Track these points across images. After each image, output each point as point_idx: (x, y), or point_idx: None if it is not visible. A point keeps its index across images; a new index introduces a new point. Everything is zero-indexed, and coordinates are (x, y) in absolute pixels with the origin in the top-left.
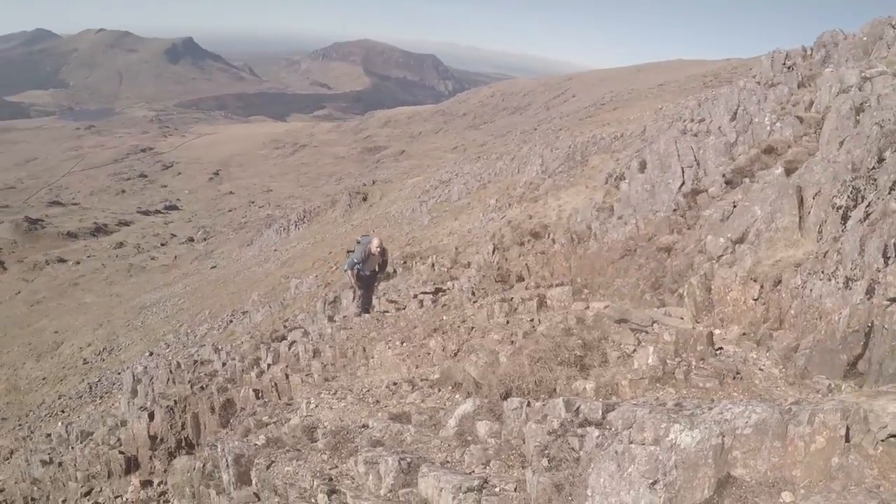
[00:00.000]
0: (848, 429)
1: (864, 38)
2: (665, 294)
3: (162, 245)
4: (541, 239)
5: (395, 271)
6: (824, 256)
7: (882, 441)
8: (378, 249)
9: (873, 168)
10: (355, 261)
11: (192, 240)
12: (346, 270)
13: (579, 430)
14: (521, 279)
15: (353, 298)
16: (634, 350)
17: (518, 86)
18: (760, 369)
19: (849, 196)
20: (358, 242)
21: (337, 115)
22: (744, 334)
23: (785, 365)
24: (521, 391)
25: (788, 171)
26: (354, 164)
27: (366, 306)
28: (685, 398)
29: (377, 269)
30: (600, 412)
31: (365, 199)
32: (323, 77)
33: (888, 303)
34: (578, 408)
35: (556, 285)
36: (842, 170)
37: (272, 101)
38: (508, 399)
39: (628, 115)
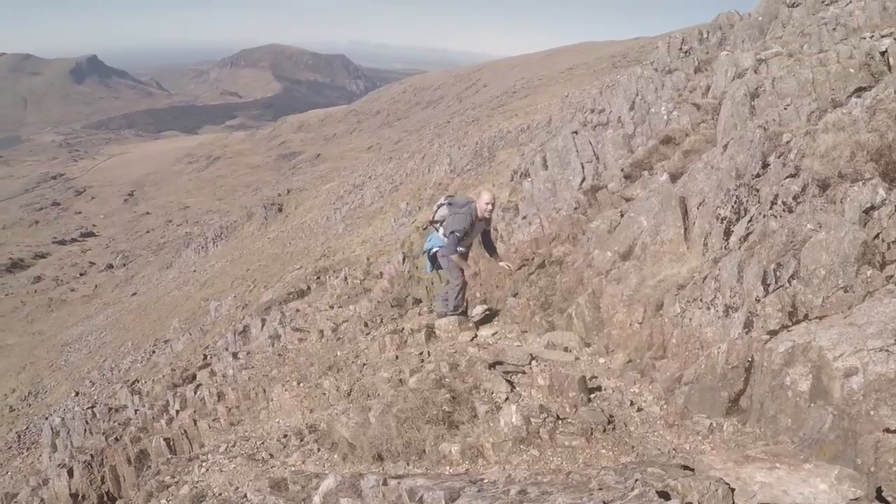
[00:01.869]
0: None
1: (760, 18)
2: (555, 314)
3: (81, 275)
4: None
5: (308, 288)
6: (703, 282)
7: None
8: (489, 208)
9: (757, 175)
10: (458, 234)
11: (111, 266)
12: (433, 253)
13: None
14: (418, 301)
15: (448, 297)
16: (506, 399)
17: (430, 80)
18: (639, 409)
19: (732, 207)
20: (449, 205)
21: (249, 123)
22: (629, 361)
23: (667, 400)
24: (391, 454)
25: (674, 178)
26: (270, 171)
27: (460, 302)
28: (538, 475)
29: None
30: (443, 501)
31: (280, 210)
32: (233, 86)
33: (768, 337)
34: (422, 497)
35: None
36: (725, 177)
37: (182, 115)
38: (365, 477)
39: (538, 103)
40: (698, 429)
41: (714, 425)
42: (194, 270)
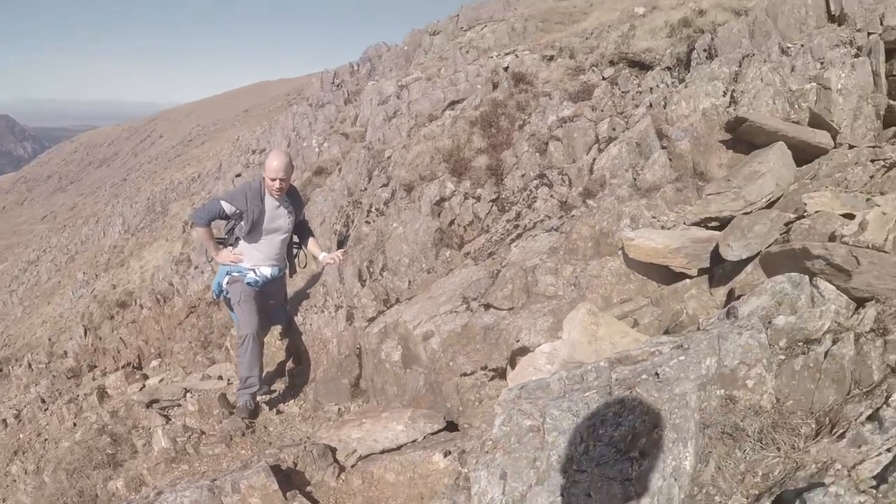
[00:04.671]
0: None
1: (406, 48)
2: (214, 350)
3: None
4: (129, 307)
5: None
6: (313, 289)
7: (353, 466)
8: (283, 175)
9: (363, 190)
10: (223, 202)
11: None
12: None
13: None
14: (92, 367)
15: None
16: (161, 430)
17: (103, 135)
18: (279, 412)
19: (343, 221)
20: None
21: None
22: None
23: (304, 399)
24: None
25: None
26: None
27: (253, 386)
28: (177, 480)
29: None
30: None
31: None
32: None
33: (367, 324)
34: None
35: (121, 367)
36: (339, 196)
37: None
38: None
39: (213, 149)
40: (328, 415)
41: (342, 409)
42: None
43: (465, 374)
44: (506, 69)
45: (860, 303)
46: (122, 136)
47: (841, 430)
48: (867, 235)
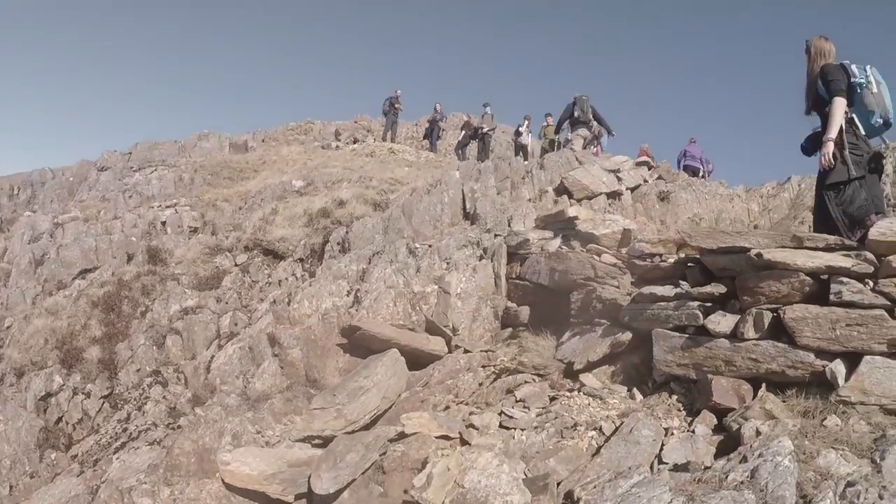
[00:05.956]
0: None
1: (72, 179)
2: None
3: None
4: None
5: None
6: None
7: None
8: None
9: None
10: None
11: None
12: None
13: None
14: None
15: None
16: None
17: None
18: None
19: None
20: None
21: None
22: None
23: None
24: None
25: None
26: None
27: None
28: None
29: None
30: None
31: None
32: None
33: None
34: None
35: None
36: None
37: None
38: None
39: None
40: None
41: None
42: None
43: None
44: (164, 223)
45: None
46: None
47: None
48: (429, 494)
